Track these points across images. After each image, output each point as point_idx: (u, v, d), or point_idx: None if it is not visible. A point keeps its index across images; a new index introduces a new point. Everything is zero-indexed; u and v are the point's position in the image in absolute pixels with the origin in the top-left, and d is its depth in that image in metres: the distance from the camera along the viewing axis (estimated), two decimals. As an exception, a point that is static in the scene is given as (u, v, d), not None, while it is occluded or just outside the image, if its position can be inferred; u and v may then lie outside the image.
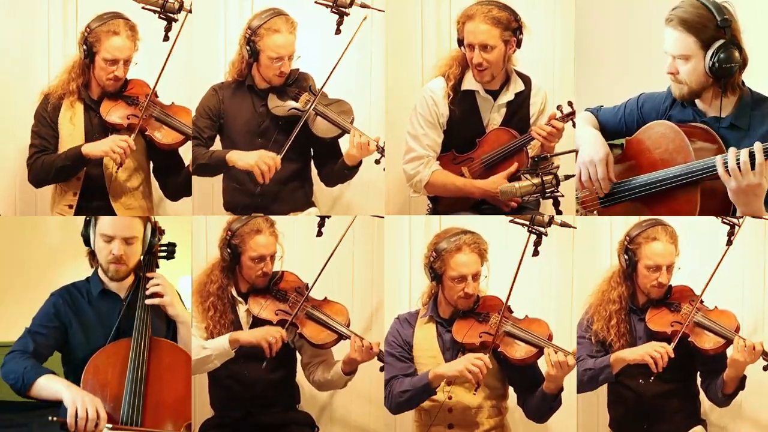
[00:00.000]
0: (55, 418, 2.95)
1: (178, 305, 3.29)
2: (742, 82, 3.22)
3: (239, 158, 3.54)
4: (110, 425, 2.99)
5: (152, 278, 3.27)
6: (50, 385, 3.02)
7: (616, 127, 3.43)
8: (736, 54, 3.12)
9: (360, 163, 3.63)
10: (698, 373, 3.41)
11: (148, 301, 3.23)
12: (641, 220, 3.38)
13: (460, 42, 3.57)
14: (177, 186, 3.68)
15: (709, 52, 3.11)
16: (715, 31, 3.11)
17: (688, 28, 3.12)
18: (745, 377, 3.30)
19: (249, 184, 3.58)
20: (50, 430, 2.99)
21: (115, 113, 3.56)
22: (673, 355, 3.25)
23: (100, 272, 3.30)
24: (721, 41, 3.10)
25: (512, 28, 3.50)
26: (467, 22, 3.50)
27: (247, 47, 3.57)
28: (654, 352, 3.25)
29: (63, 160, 3.52)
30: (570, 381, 3.34)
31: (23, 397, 3.06)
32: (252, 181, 3.54)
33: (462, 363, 3.25)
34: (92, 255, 3.31)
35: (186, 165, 3.65)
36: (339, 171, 3.67)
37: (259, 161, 3.50)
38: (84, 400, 2.97)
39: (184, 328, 3.29)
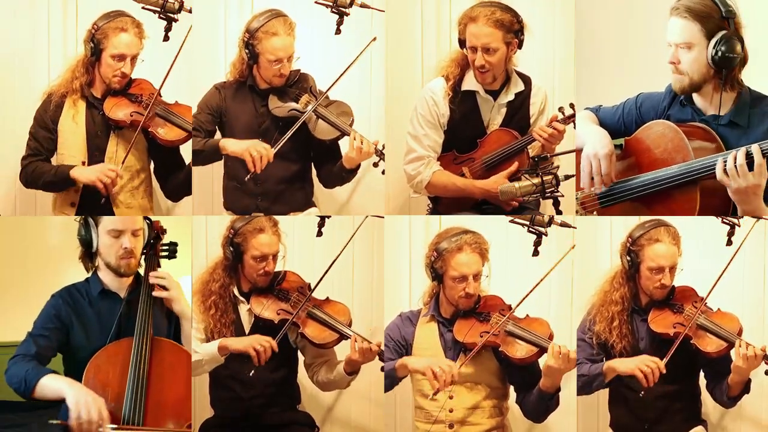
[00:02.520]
0: (56, 421, 2.94)
1: (183, 301, 3.30)
2: (741, 80, 3.22)
3: (231, 144, 3.55)
4: (113, 425, 2.99)
5: (157, 275, 3.28)
6: (53, 385, 3.02)
7: (615, 126, 3.44)
8: (738, 46, 3.14)
9: (358, 166, 3.62)
10: (703, 374, 3.40)
11: (155, 293, 3.23)
12: (644, 221, 3.37)
13: (462, 43, 3.56)
14: (177, 185, 3.67)
15: (712, 42, 3.13)
16: (719, 21, 3.14)
17: (693, 16, 3.14)
18: (750, 380, 3.29)
19: (249, 183, 3.56)
20: (51, 430, 2.98)
21: (119, 110, 3.56)
22: (664, 371, 3.23)
23: (100, 272, 3.29)
24: (724, 31, 3.13)
25: (514, 29, 3.50)
26: (469, 24, 3.50)
27: (246, 50, 3.57)
28: (644, 367, 3.23)
29: (52, 176, 3.55)
30: (570, 380, 3.34)
31: (28, 400, 3.05)
32: (244, 168, 3.53)
33: None
34: (88, 257, 3.31)
35: (187, 164, 3.65)
36: (337, 173, 3.66)
37: (251, 148, 3.50)
38: (87, 402, 2.97)
39: (187, 325, 3.29)
